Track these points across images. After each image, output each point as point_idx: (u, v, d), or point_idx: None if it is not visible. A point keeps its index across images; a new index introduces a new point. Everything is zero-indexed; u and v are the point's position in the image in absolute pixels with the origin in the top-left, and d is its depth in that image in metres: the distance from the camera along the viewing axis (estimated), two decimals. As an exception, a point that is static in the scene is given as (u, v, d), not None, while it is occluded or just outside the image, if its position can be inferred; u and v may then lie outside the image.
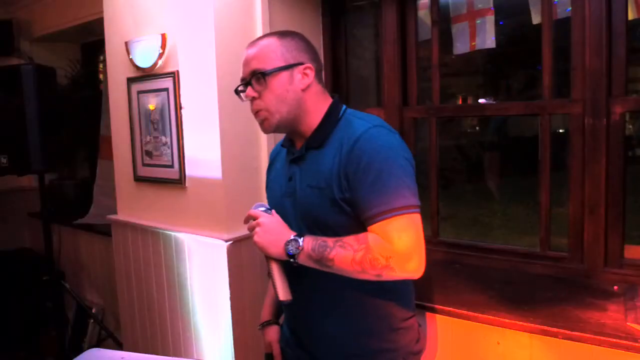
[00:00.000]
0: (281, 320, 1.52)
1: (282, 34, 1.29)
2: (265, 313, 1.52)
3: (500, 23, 2.03)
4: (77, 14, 3.23)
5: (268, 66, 1.23)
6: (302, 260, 1.19)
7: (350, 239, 1.16)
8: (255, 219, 1.25)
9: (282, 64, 1.24)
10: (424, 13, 2.15)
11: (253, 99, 1.26)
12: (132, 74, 2.26)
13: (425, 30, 2.15)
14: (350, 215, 1.20)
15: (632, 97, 1.70)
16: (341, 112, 1.29)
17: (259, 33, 2.03)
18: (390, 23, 2.16)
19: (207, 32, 1.93)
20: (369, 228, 1.17)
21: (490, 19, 2.00)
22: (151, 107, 2.19)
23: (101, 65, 3.75)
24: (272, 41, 1.26)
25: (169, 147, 2.14)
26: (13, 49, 3.65)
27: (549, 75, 1.83)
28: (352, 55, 2.43)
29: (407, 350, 1.34)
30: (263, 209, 1.27)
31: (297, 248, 1.18)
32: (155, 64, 2.12)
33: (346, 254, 1.14)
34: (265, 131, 1.30)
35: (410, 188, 1.16)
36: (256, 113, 1.28)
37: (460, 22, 2.07)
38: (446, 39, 2.09)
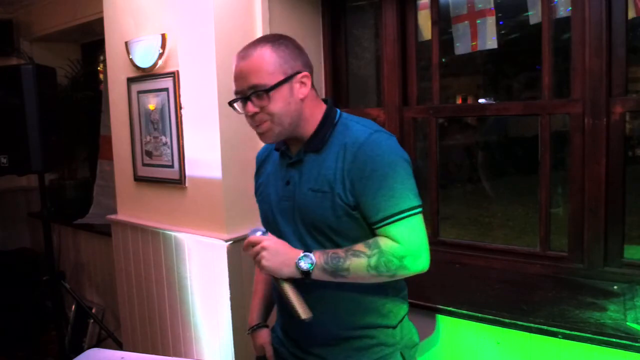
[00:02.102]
0: (270, 321, 1.50)
1: (273, 42, 1.22)
2: (254, 316, 1.49)
3: (501, 23, 2.03)
4: (77, 14, 3.24)
5: (268, 81, 1.18)
6: (316, 275, 1.19)
7: (360, 246, 1.19)
8: (255, 244, 1.21)
9: (281, 77, 1.19)
10: (424, 13, 2.15)
11: (254, 115, 1.22)
12: (132, 74, 2.26)
13: (425, 31, 2.15)
14: (351, 218, 1.21)
15: (632, 97, 1.70)
16: (337, 116, 1.29)
17: (259, 33, 2.03)
18: (390, 23, 2.16)
19: (207, 32, 1.93)
20: (378, 231, 1.20)
21: (491, 19, 2.00)
22: (151, 107, 2.19)
23: (101, 65, 3.75)
24: (266, 51, 1.19)
25: (169, 147, 2.14)
26: (13, 49, 3.66)
27: (549, 75, 1.83)
28: (352, 55, 2.43)
29: (404, 344, 1.35)
30: (260, 232, 1.23)
31: (311, 264, 1.18)
32: (155, 64, 2.12)
33: (360, 261, 1.17)
34: (265, 142, 1.29)
35: (412, 190, 1.21)
36: (257, 126, 1.24)
37: (460, 22, 2.07)
38: (446, 39, 2.09)
